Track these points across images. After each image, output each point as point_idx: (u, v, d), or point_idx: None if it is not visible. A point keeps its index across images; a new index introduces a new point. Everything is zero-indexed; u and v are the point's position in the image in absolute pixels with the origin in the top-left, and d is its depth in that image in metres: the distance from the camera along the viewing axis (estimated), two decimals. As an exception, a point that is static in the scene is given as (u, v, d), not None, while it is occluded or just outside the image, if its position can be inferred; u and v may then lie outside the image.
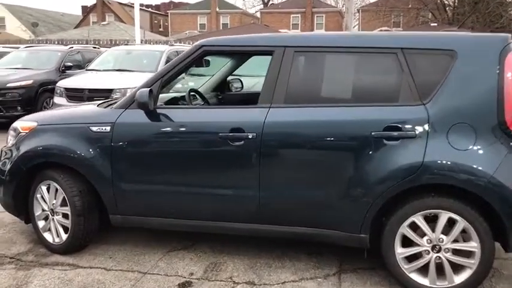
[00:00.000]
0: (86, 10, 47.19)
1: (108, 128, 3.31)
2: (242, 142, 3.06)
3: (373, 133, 2.87)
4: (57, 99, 8.60)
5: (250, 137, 3.05)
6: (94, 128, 3.34)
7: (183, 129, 3.22)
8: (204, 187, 3.19)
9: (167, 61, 9.16)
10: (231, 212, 3.18)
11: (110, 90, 8.25)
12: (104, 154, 3.31)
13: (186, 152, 3.20)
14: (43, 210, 3.56)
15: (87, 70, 9.64)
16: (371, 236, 2.96)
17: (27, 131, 3.56)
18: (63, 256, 3.48)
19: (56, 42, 18.76)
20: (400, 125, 2.85)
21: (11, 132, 3.70)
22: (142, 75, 8.87)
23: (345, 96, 3.07)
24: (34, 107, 9.24)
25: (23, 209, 3.65)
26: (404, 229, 2.87)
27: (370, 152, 2.87)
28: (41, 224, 3.60)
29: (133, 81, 8.42)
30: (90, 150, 3.32)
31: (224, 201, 3.17)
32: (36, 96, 9.35)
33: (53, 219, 3.53)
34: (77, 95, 8.36)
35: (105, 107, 3.56)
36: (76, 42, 18.95)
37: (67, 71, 10.09)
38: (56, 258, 3.46)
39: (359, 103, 2.98)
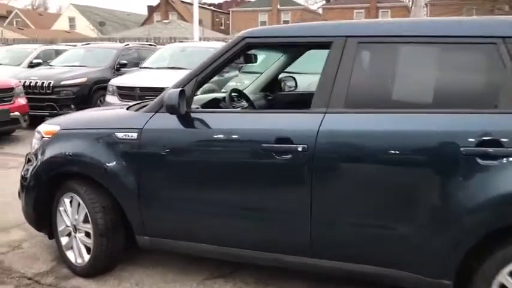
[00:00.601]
0: (152, 9, 48.25)
1: (135, 135, 2.83)
2: (290, 156, 2.47)
3: (462, 149, 2.18)
4: (109, 98, 8.40)
5: (299, 149, 2.44)
6: (119, 135, 2.87)
7: (218, 138, 2.67)
8: (242, 209, 2.63)
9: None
10: (275, 241, 2.59)
11: (162, 89, 7.88)
12: (130, 165, 2.83)
13: (221, 166, 2.65)
14: (66, 225, 3.15)
15: (140, 68, 9.40)
16: (456, 283, 2.26)
17: (50, 136, 3.16)
18: (85, 280, 3.04)
19: (118, 41, 18.96)
20: (500, 139, 2.13)
21: (36, 135, 3.32)
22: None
23: (424, 100, 2.39)
24: (88, 105, 9.09)
25: (45, 222, 3.25)
26: (504, 278, 2.15)
27: (459, 174, 2.18)
28: (64, 240, 3.19)
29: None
30: (115, 159, 2.85)
31: (267, 227, 2.59)
32: (90, 94, 9.21)
33: (75, 236, 3.10)
34: (128, 94, 8.11)
35: (136, 110, 3.08)
36: (137, 40, 19.06)
37: (122, 69, 9.90)
38: (77, 282, 3.03)
39: (444, 109, 2.29)
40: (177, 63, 8.99)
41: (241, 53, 2.80)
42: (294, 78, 4.34)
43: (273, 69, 4.07)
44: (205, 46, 9.78)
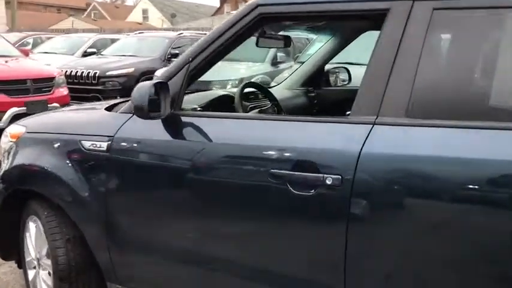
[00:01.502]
0: (223, 0, 48.17)
1: (104, 145, 2.01)
2: (313, 191, 1.54)
3: None
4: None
5: (329, 182, 1.52)
6: (86, 144, 2.07)
7: (211, 154, 1.80)
8: (242, 265, 1.75)
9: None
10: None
11: (208, 82, 7.19)
12: (97, 186, 2.04)
13: (211, 197, 1.79)
14: (32, 257, 2.43)
15: (191, 58, 8.72)
16: None
17: (14, 140, 2.43)
18: (48, 331, 2.30)
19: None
20: None
21: (3, 139, 2.61)
22: (248, 66, 7.76)
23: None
24: (135, 97, 8.57)
25: (13, 248, 2.56)
26: None
27: None
28: (31, 274, 2.47)
29: (237, 72, 7.30)
30: (78, 177, 2.07)
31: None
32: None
33: (38, 272, 2.37)
34: (172, 86, 7.45)
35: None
36: (201, 30, 18.58)
37: (173, 59, 9.27)
38: (36, 334, 2.29)
39: None
40: (233, 55, 8.19)
41: (252, 29, 1.89)
42: (347, 70, 3.35)
43: (318, 57, 3.11)
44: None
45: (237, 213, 1.77)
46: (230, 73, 7.30)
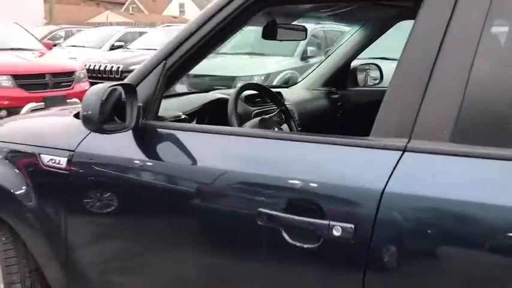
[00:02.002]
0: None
1: (63, 161, 1.61)
2: (315, 244, 1.08)
3: None
4: (177, 86, 7.43)
5: (336, 233, 1.05)
6: (45, 158, 1.67)
7: (183, 182, 1.37)
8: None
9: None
10: None
11: (232, 78, 6.79)
12: (56, 209, 1.65)
13: (189, 237, 1.36)
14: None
15: (217, 54, 8.32)
16: None
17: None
18: None
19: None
20: None
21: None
22: (274, 61, 7.32)
23: None
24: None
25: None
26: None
27: None
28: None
29: (262, 68, 6.89)
30: (35, 196, 1.68)
31: None
32: (161, 80, 8.32)
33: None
34: (198, 82, 7.08)
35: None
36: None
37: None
38: None
39: None
40: (258, 49, 7.74)
41: (245, 16, 1.43)
42: (379, 67, 2.85)
43: (344, 52, 2.63)
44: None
45: (220, 257, 1.34)
46: (256, 68, 6.87)
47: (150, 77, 1.49)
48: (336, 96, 2.64)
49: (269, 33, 1.86)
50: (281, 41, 1.94)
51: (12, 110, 6.02)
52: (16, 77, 6.20)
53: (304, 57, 7.31)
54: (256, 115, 2.04)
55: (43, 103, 6.29)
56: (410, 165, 1.05)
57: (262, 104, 2.15)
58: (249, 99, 2.07)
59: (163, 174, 1.43)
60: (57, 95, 6.59)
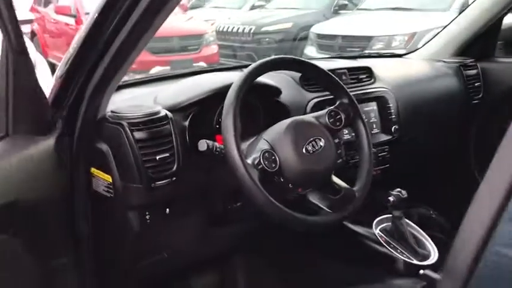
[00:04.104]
0: None
1: None
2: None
3: None
4: (308, 49, 6.77)
5: None
6: None
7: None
8: None
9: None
10: None
11: (369, 38, 5.85)
12: None
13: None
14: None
15: (358, 9, 7.37)
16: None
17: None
18: None
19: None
20: None
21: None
22: (425, 17, 6.13)
23: None
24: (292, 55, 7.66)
25: None
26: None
27: None
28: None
29: (408, 25, 5.80)
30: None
31: None
32: (295, 42, 7.69)
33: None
34: (328, 44, 6.32)
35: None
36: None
37: (340, 11, 8.03)
38: None
39: None
40: (406, 2, 6.60)
41: None
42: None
43: (490, 4, 1.68)
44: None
45: None
46: (399, 26, 5.78)
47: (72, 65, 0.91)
48: (474, 71, 1.73)
49: None
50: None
51: (139, 73, 6.02)
52: (143, 40, 6.17)
53: (464, 10, 5.95)
54: (316, 107, 1.32)
55: (169, 67, 6.20)
56: None
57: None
58: (304, 82, 1.36)
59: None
60: (184, 59, 6.44)
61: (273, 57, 1.17)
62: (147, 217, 1.08)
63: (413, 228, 1.37)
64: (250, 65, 1.13)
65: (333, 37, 6.28)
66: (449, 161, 1.78)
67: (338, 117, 1.14)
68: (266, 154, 1.01)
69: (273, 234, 1.31)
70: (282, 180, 1.01)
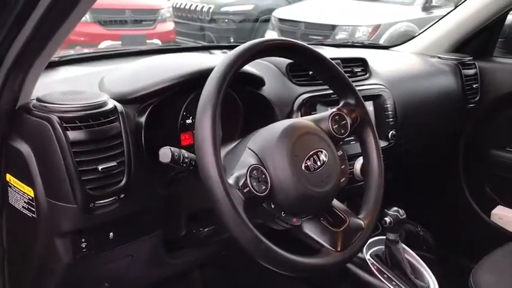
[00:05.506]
0: None
1: None
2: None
3: None
4: (268, 33, 6.52)
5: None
6: None
7: None
8: None
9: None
10: None
11: (332, 27, 5.68)
12: None
13: None
14: None
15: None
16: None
17: None
18: None
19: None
20: None
21: None
22: (388, 9, 6.04)
23: None
24: (250, 39, 7.36)
25: None
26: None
27: None
28: None
29: (372, 17, 5.69)
30: None
31: None
32: (255, 26, 7.40)
33: None
34: (290, 30, 6.10)
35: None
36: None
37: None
38: None
39: None
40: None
41: None
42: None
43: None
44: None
45: None
46: (362, 16, 5.66)
47: None
48: (472, 70, 1.54)
49: None
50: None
51: (87, 48, 5.56)
52: (92, 10, 5.67)
53: (426, 6, 5.88)
54: (309, 101, 1.07)
55: (120, 42, 5.76)
56: None
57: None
58: (292, 72, 1.10)
59: None
60: (137, 34, 6.01)
61: (270, 38, 0.91)
62: (83, 245, 0.80)
63: (410, 255, 1.16)
64: (225, 46, 0.86)
65: (295, 23, 6.06)
66: (438, 172, 1.60)
67: (343, 122, 0.90)
68: (254, 172, 0.74)
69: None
70: (272, 206, 0.76)
